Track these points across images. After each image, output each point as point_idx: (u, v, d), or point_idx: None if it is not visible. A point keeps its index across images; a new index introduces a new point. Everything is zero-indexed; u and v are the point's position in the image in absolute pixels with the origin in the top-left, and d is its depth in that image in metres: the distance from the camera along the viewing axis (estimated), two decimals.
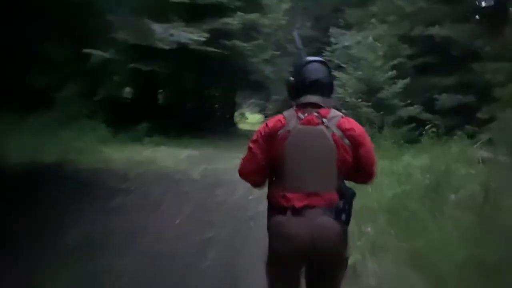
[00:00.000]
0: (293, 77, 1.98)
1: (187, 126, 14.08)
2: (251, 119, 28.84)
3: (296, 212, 1.78)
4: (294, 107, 1.91)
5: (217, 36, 12.65)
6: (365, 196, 4.76)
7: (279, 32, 17.27)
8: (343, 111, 10.50)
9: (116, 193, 5.46)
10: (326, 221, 1.77)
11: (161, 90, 17.19)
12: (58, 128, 8.89)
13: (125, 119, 12.06)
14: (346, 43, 12.02)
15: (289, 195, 1.81)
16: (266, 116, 25.51)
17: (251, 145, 1.95)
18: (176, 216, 4.58)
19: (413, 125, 9.37)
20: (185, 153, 10.20)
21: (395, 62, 10.33)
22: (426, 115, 9.87)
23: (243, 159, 2.04)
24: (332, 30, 14.05)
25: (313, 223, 1.76)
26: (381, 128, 8.90)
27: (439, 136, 8.04)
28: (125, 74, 12.95)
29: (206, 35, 10.93)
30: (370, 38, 10.31)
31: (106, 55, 11.67)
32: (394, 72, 9.90)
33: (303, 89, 1.91)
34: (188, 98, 17.80)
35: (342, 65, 10.72)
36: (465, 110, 9.70)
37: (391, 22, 11.75)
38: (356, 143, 1.85)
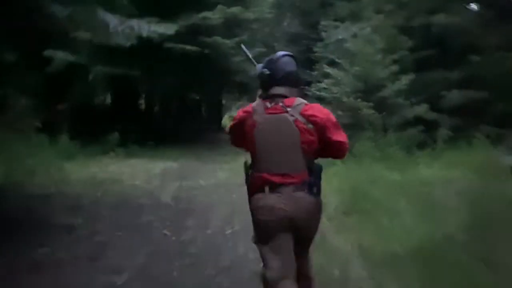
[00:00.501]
0: (267, 69, 2.19)
1: (168, 134, 12.75)
2: None
3: (273, 189, 2.06)
4: (262, 98, 2.19)
5: (196, 32, 11.35)
6: (382, 233, 3.51)
7: (265, 28, 16.02)
8: (339, 112, 9.37)
9: (51, 235, 4.16)
10: (300, 195, 2.05)
11: (140, 96, 15.90)
12: (6, 144, 7.56)
13: (96, 130, 10.71)
14: (340, 37, 10.80)
15: (264, 175, 2.08)
16: None
17: (230, 127, 2.32)
18: (121, 271, 3.28)
19: (421, 127, 8.16)
20: (161, 166, 8.89)
21: (395, 56, 9.12)
22: (432, 115, 8.68)
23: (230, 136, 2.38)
24: (324, 22, 12.84)
25: (288, 196, 2.04)
26: (385, 131, 7.69)
27: (453, 140, 6.84)
28: (95, 78, 11.57)
29: (175, 27, 9.58)
30: (368, 29, 9.09)
31: (71, 57, 10.34)
32: (396, 67, 8.66)
33: (274, 81, 2.15)
34: (169, 103, 16.46)
35: (338, 60, 9.46)
36: (477, 108, 8.50)
37: (388, 12, 10.56)
38: (319, 126, 2.08)
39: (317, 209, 2.12)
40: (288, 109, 2.07)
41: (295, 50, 17.11)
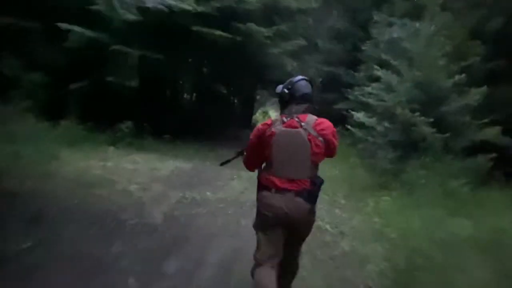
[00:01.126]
0: (286, 90, 2.66)
1: (189, 128, 11.52)
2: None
3: (278, 190, 2.49)
4: (281, 113, 2.64)
5: (229, 17, 10.00)
6: None
7: (308, 21, 14.46)
8: (386, 124, 7.74)
9: None
10: (299, 200, 2.47)
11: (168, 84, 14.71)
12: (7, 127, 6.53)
13: (110, 115, 9.62)
14: (395, 35, 9.13)
15: (273, 178, 2.51)
16: None
17: (250, 142, 2.67)
18: None
19: (492, 154, 6.44)
20: (170, 166, 7.64)
21: (464, 63, 7.40)
22: (505, 140, 6.94)
23: (246, 155, 2.77)
24: (377, 17, 11.17)
25: (289, 199, 2.47)
26: (445, 156, 6.05)
27: None
28: (116, 58, 10.46)
29: (200, 7, 8.25)
30: (433, 28, 7.41)
31: (90, 33, 9.29)
32: (464, 77, 6.95)
33: (292, 100, 2.62)
34: (197, 94, 15.26)
35: (393, 62, 7.82)
36: None
37: (458, 10, 8.79)
38: (326, 140, 2.54)
39: (311, 214, 2.57)
40: (302, 123, 2.53)
41: (339, 48, 15.50)
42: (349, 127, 8.84)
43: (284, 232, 2.51)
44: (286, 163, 2.48)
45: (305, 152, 2.46)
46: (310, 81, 2.71)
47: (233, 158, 2.97)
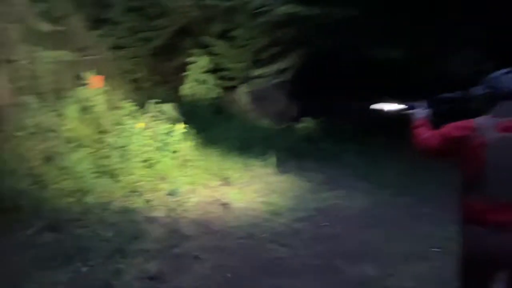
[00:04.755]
0: (489, 88, 1.96)
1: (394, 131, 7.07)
2: None
3: (499, 226, 1.76)
4: (489, 115, 1.91)
5: None
6: None
7: None
8: None
9: None
10: None
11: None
12: None
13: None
14: None
15: (490, 206, 1.79)
16: None
17: (444, 134, 2.00)
18: None
19: None
20: (337, 202, 5.11)
21: None
22: None
23: (423, 131, 2.13)
24: None
25: None
26: None
27: None
28: None
29: None
30: None
31: None
32: None
33: (500, 97, 1.90)
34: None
35: None
36: None
37: None
38: None
39: None
40: None
41: None
42: None
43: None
44: (509, 181, 1.79)
45: None
46: None
47: (394, 112, 2.45)
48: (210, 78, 8.99)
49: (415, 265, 3.61)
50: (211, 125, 7.46)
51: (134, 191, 5.02)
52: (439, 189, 5.42)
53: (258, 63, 8.95)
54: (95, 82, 6.51)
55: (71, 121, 5.98)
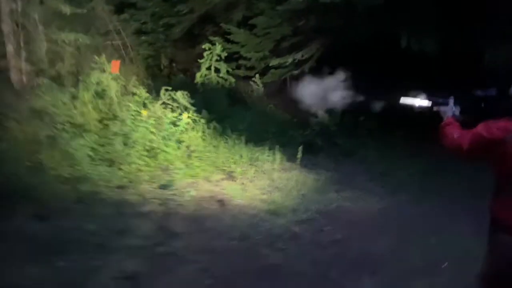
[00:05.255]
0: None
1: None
2: None
3: None
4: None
5: None
6: None
7: None
8: None
9: None
10: None
11: None
12: None
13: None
14: None
15: None
16: None
17: (475, 135, 1.88)
18: None
19: None
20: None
21: None
22: None
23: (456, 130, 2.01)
24: None
25: None
26: None
27: None
28: None
29: None
30: None
31: None
32: None
33: None
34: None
35: None
36: None
37: None
38: None
39: None
40: None
41: None
42: None
43: None
44: None
45: None
46: None
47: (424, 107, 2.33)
48: (228, 67, 8.75)
49: (421, 283, 3.23)
50: (223, 115, 7.16)
51: (132, 181, 4.84)
52: (462, 196, 4.99)
53: (277, 52, 8.59)
54: (112, 67, 6.40)
55: (82, 105, 5.92)
